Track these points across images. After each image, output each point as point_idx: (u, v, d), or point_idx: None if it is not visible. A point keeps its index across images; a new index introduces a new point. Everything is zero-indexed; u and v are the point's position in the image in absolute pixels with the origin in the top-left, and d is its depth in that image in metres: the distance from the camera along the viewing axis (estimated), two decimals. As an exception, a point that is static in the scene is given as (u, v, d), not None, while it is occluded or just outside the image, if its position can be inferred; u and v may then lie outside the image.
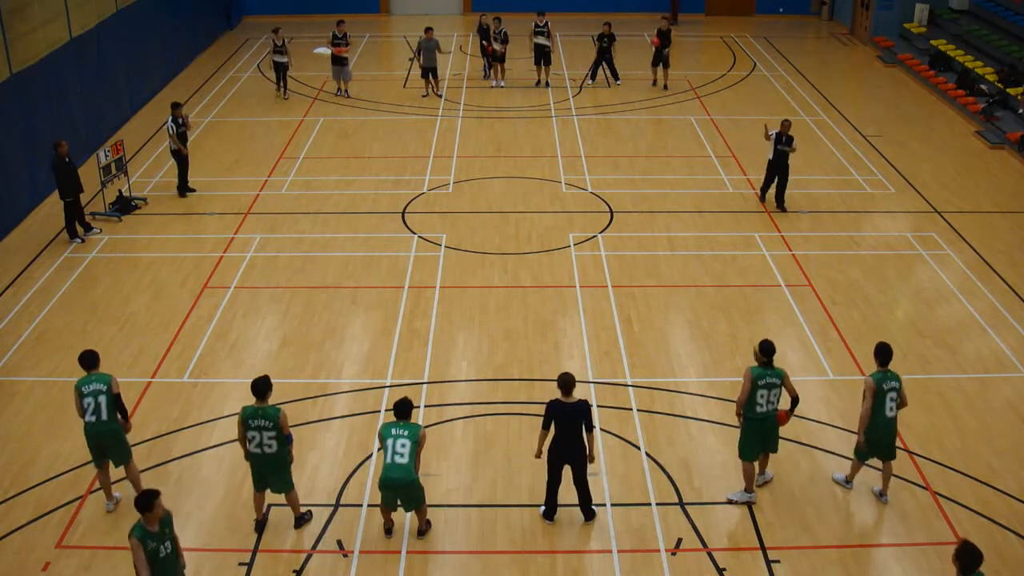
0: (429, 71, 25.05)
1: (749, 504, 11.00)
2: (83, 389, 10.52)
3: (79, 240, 17.22)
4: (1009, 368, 13.74)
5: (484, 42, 26.14)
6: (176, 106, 18.93)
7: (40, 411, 12.72)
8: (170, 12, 26.74)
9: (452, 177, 20.17)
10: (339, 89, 25.42)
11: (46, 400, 12.93)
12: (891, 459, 10.99)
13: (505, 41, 25.66)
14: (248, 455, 10.34)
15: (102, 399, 10.49)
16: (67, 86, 20.17)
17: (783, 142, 17.92)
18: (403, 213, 18.42)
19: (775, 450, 11.05)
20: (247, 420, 10.18)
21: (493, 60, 26.08)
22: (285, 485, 10.48)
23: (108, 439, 10.64)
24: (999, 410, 12.82)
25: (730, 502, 11.02)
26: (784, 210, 18.37)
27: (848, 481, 11.32)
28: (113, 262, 16.64)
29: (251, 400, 10.29)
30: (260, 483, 10.45)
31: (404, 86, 26.47)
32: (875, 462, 11.14)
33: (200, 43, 29.69)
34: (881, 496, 11.13)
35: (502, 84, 26.18)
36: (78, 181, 17.05)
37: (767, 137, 18.15)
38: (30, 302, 15.38)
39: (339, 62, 25.00)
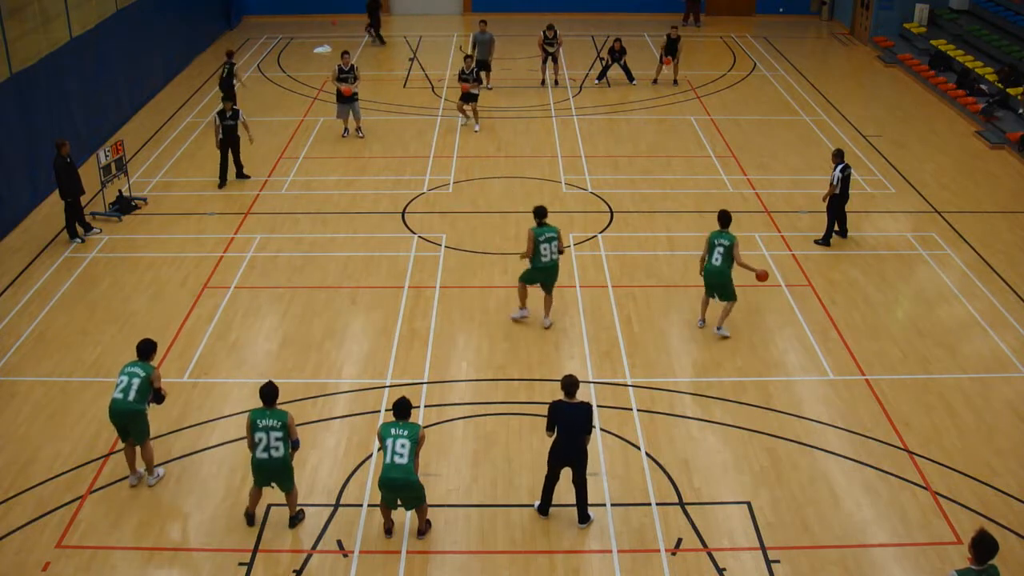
0: (483, 64, 24.85)
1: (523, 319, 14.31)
2: (125, 368, 11.12)
3: (79, 240, 17.23)
4: (1009, 368, 13.74)
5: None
6: (225, 99, 19.31)
7: (40, 411, 12.72)
8: (170, 12, 26.70)
9: (452, 177, 20.16)
10: (345, 129, 22.17)
11: (46, 400, 12.93)
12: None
13: (477, 80, 22.47)
14: (254, 459, 10.35)
15: (135, 381, 10.94)
16: (67, 86, 20.17)
17: (844, 170, 16.56)
18: (403, 213, 18.42)
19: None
20: (255, 421, 10.20)
21: (466, 100, 22.68)
22: (290, 485, 10.54)
23: (126, 418, 10.98)
24: (999, 410, 12.82)
25: (514, 320, 14.11)
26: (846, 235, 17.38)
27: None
28: (113, 262, 16.64)
29: (252, 401, 10.33)
30: (263, 482, 10.48)
31: (404, 86, 26.47)
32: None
33: (200, 43, 29.65)
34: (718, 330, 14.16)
35: (476, 128, 22.66)
36: (79, 182, 17.07)
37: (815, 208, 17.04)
38: (30, 302, 15.38)
39: (345, 100, 21.54)
